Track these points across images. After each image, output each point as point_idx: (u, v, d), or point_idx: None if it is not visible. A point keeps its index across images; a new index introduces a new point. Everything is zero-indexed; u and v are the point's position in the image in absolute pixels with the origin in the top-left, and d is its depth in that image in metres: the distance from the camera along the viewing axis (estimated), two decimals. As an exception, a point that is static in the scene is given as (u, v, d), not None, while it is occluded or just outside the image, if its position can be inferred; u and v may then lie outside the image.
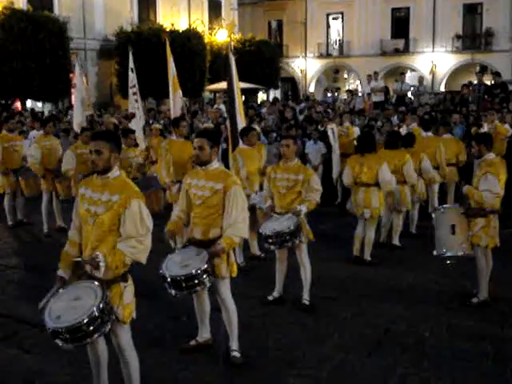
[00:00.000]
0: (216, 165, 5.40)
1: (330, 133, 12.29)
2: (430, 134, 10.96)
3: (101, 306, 4.09)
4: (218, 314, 5.66)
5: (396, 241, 9.53)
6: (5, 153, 11.12)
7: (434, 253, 7.07)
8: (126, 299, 4.44)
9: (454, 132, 12.26)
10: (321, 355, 5.77)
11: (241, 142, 8.73)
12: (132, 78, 12.27)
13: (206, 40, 31.36)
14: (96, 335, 4.13)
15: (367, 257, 8.64)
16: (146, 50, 25.45)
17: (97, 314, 4.05)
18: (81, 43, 28.71)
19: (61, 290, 4.31)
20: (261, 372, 5.47)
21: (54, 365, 5.53)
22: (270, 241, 6.56)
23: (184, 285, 5.01)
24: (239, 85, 10.41)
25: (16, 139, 11.52)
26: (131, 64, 12.32)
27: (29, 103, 27.01)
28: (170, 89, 10.86)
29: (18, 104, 26.10)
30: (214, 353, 5.70)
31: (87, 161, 9.75)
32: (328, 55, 41.02)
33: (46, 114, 23.18)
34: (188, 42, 28.38)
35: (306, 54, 41.50)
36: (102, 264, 4.22)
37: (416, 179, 9.20)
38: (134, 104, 12.09)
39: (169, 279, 5.02)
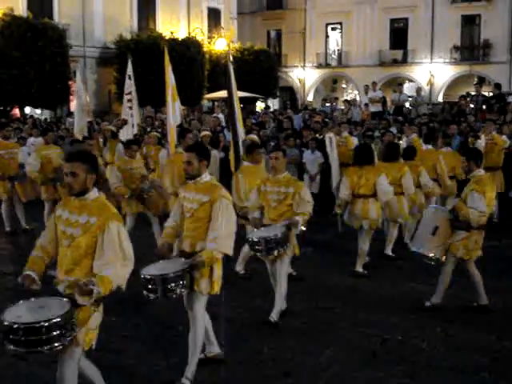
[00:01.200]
0: (206, 178, 5.37)
1: (327, 141, 12.29)
2: (429, 146, 10.98)
3: (65, 317, 3.94)
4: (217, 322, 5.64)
5: (389, 251, 9.53)
6: (1, 160, 11.11)
7: (411, 247, 7.30)
8: (92, 324, 4.26)
9: (452, 143, 12.27)
10: (317, 366, 5.77)
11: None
12: (129, 84, 12.29)
13: (205, 49, 31.45)
14: (49, 346, 3.91)
15: (359, 268, 8.61)
16: (145, 58, 25.49)
17: (58, 322, 3.89)
18: (80, 51, 28.78)
19: (32, 299, 4.17)
20: (256, 381, 5.46)
21: (48, 371, 5.46)
22: (257, 247, 6.50)
23: (154, 287, 4.90)
24: (237, 94, 10.45)
25: (12, 146, 11.51)
26: (129, 71, 12.34)
27: (27, 110, 27.02)
28: (169, 98, 10.87)
29: (16, 111, 26.13)
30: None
31: None
32: (327, 65, 41.16)
33: (44, 120, 23.17)
34: (187, 51, 28.48)
35: (304, 63, 41.63)
36: (96, 289, 3.99)
37: (414, 191, 9.22)
38: (128, 111, 12.09)
39: (144, 279, 4.94)
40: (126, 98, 12.31)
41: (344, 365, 5.78)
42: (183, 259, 5.15)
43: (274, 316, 6.64)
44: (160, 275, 4.89)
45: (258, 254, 6.63)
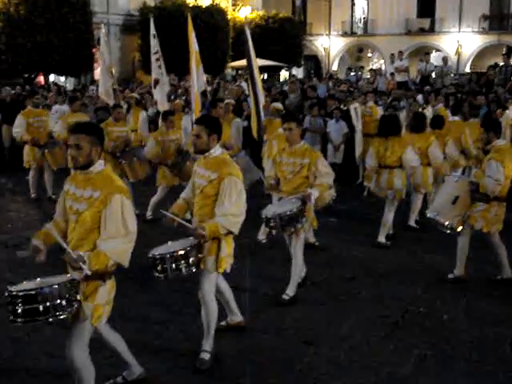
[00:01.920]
0: (216, 152, 5.12)
1: (352, 112, 12.19)
2: (456, 118, 10.81)
3: (64, 286, 3.89)
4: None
5: (412, 222, 9.46)
6: (30, 128, 11.18)
7: (427, 213, 7.21)
8: (100, 299, 4.14)
9: (479, 114, 12.06)
10: (338, 335, 5.78)
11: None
12: (154, 44, 12.14)
13: (229, 16, 31.15)
14: (46, 317, 3.84)
15: (382, 239, 8.57)
16: (169, 26, 25.34)
17: (56, 291, 3.84)
18: (104, 18, 28.66)
19: (38, 279, 4.08)
20: (277, 350, 5.48)
21: (38, 354, 5.45)
22: (271, 224, 6.24)
23: (163, 266, 4.81)
24: (257, 61, 10.36)
25: (42, 114, 11.55)
26: (153, 30, 12.20)
27: (52, 78, 27.10)
28: (192, 64, 10.78)
29: (41, 78, 26.21)
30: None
31: (118, 139, 9.89)
32: (352, 33, 40.61)
33: (69, 88, 23.25)
34: (211, 18, 28.23)
35: (329, 31, 41.11)
36: (85, 267, 3.90)
37: (442, 160, 9.10)
38: (158, 70, 11.92)
39: (152, 259, 4.85)
40: (153, 57, 12.16)
41: (365, 335, 5.78)
42: (191, 238, 4.97)
43: (289, 293, 6.54)
44: (167, 253, 4.81)
45: (273, 230, 6.42)
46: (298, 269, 6.60)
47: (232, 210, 4.89)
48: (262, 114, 10.18)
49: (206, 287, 5.11)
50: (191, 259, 4.87)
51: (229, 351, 5.44)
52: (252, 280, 7.15)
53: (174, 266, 4.81)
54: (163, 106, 11.69)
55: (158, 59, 11.99)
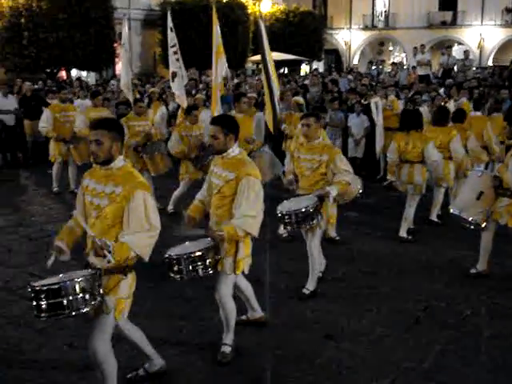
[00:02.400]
0: (234, 152, 5.04)
1: (373, 107, 12.11)
2: (478, 113, 10.72)
3: (87, 280, 3.92)
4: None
5: (434, 216, 9.40)
6: (57, 123, 11.28)
7: (450, 209, 7.12)
8: (122, 293, 4.17)
9: (502, 108, 11.94)
10: (359, 330, 5.77)
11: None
12: (172, 37, 12.20)
13: (250, 10, 31.11)
14: (69, 311, 3.87)
15: (403, 233, 8.53)
16: (190, 20, 25.41)
17: (79, 285, 3.87)
18: (125, 13, 28.77)
19: (60, 274, 4.09)
20: (298, 344, 5.49)
21: (61, 346, 5.50)
22: (286, 220, 6.16)
23: (179, 267, 4.77)
24: (271, 54, 10.36)
25: (68, 109, 11.65)
26: (170, 23, 12.27)
27: (74, 72, 27.31)
28: (214, 55, 10.77)
29: (63, 73, 26.43)
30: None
31: (139, 133, 9.95)
32: (373, 27, 40.38)
33: (90, 83, 23.41)
34: (231, 13, 28.23)
35: (350, 25, 40.93)
36: (109, 256, 3.92)
37: (463, 154, 9.02)
38: (176, 63, 11.97)
39: (168, 259, 4.82)
40: (171, 50, 12.19)
41: (386, 330, 5.76)
42: (208, 239, 4.94)
43: (309, 287, 6.55)
44: (183, 254, 4.76)
45: (288, 227, 6.28)
46: (316, 264, 6.56)
47: (250, 212, 4.82)
48: (278, 107, 10.17)
49: (222, 289, 5.08)
50: (208, 260, 4.82)
51: (249, 345, 5.46)
52: (273, 274, 7.14)
53: (190, 267, 4.76)
54: (181, 99, 11.69)
55: (175, 52, 11.99)
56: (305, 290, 6.54)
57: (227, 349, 5.20)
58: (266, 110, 10.47)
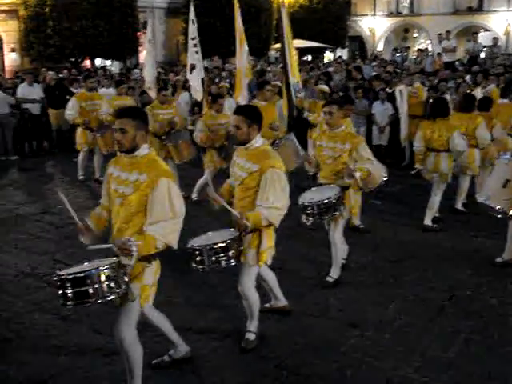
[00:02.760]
0: (257, 143, 4.98)
1: (397, 94, 12.02)
2: (505, 100, 10.55)
3: (112, 265, 3.96)
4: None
5: (459, 205, 9.30)
6: (84, 111, 11.36)
7: (477, 197, 6.96)
8: (147, 280, 4.20)
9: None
10: (383, 318, 5.76)
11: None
12: (193, 29, 12.25)
13: (274, -3, 30.95)
14: (96, 299, 3.91)
15: (428, 222, 8.45)
16: (213, 8, 25.34)
17: (104, 272, 3.90)
18: (149, 1, 28.81)
19: (86, 263, 4.14)
20: (322, 332, 5.50)
21: (87, 332, 5.59)
22: (308, 211, 6.02)
23: (202, 258, 4.75)
24: (292, 42, 10.33)
25: (95, 98, 11.70)
26: (192, 16, 12.32)
27: (98, 61, 27.45)
28: (237, 42, 10.76)
29: (87, 62, 26.58)
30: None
31: (163, 121, 9.98)
32: (398, 13, 39.86)
33: (113, 71, 23.51)
34: (254, 1, 28.09)
35: (375, 12, 40.42)
36: (134, 250, 3.93)
37: (489, 142, 8.90)
38: (194, 55, 12.02)
39: (191, 250, 4.80)
40: (191, 43, 12.23)
41: (410, 318, 5.74)
42: (231, 230, 4.90)
43: (333, 275, 6.54)
44: (206, 245, 4.73)
45: (310, 218, 6.08)
46: (339, 253, 6.53)
47: (276, 204, 4.80)
48: (294, 98, 10.21)
49: (245, 281, 5.08)
50: (231, 252, 4.79)
51: (273, 332, 5.48)
52: (296, 262, 7.17)
53: (213, 258, 4.74)
54: (198, 92, 11.73)
55: (195, 45, 12.07)
56: (329, 278, 6.53)
57: (251, 336, 5.23)
58: (283, 97, 10.49)
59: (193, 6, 12.64)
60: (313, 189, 6.44)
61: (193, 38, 12.03)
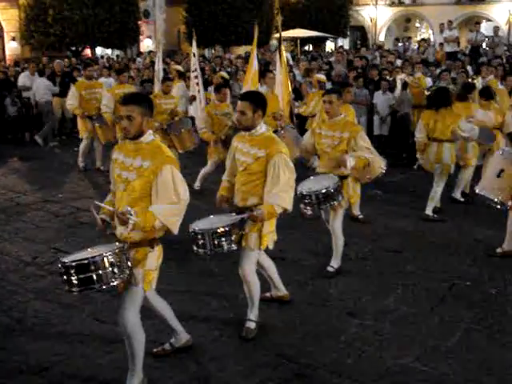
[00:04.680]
0: (262, 129, 5.01)
1: (398, 84, 12.01)
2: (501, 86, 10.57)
3: (115, 251, 3.99)
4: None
5: (457, 195, 9.29)
6: (83, 100, 11.35)
7: (476, 189, 6.96)
8: (149, 265, 4.23)
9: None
10: (383, 307, 5.77)
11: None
12: (194, 62, 12.53)
13: (275, -13, 30.83)
14: (100, 285, 3.96)
15: (429, 212, 8.44)
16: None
17: (107, 259, 3.93)
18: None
19: (89, 249, 4.17)
20: (322, 322, 5.52)
21: (88, 320, 5.60)
22: (306, 201, 6.01)
23: (204, 242, 4.78)
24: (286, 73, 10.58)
25: (94, 86, 11.70)
26: (194, 49, 12.64)
27: (98, 50, 27.39)
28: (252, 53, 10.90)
29: (88, 51, 26.53)
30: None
31: (165, 112, 9.99)
32: (400, 3, 39.73)
33: (117, 59, 23.46)
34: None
35: (376, 1, 40.27)
36: (132, 219, 3.95)
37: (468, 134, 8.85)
38: (195, 87, 12.25)
39: (193, 233, 4.82)
40: (192, 75, 12.48)
41: (411, 308, 5.76)
42: (234, 214, 4.96)
43: (333, 265, 6.54)
44: (209, 229, 4.75)
45: (309, 207, 6.07)
46: (340, 242, 6.51)
47: (285, 188, 4.85)
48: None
49: (246, 265, 5.09)
50: (233, 236, 4.82)
51: (274, 322, 5.50)
52: (297, 252, 7.19)
53: (216, 242, 4.76)
54: (198, 121, 11.87)
55: (196, 76, 12.31)
56: (329, 268, 6.54)
57: (252, 325, 5.24)
58: (283, 100, 10.46)
59: (195, 40, 12.89)
60: (311, 178, 6.42)
61: (194, 71, 12.32)
